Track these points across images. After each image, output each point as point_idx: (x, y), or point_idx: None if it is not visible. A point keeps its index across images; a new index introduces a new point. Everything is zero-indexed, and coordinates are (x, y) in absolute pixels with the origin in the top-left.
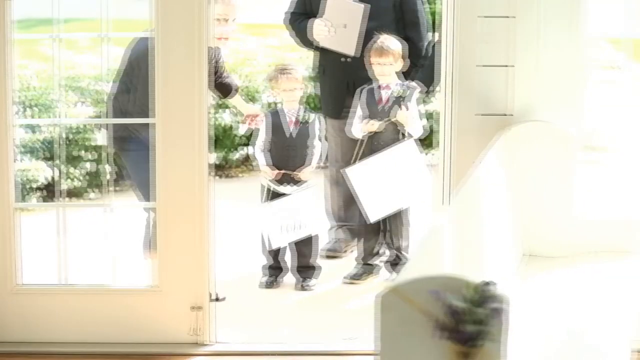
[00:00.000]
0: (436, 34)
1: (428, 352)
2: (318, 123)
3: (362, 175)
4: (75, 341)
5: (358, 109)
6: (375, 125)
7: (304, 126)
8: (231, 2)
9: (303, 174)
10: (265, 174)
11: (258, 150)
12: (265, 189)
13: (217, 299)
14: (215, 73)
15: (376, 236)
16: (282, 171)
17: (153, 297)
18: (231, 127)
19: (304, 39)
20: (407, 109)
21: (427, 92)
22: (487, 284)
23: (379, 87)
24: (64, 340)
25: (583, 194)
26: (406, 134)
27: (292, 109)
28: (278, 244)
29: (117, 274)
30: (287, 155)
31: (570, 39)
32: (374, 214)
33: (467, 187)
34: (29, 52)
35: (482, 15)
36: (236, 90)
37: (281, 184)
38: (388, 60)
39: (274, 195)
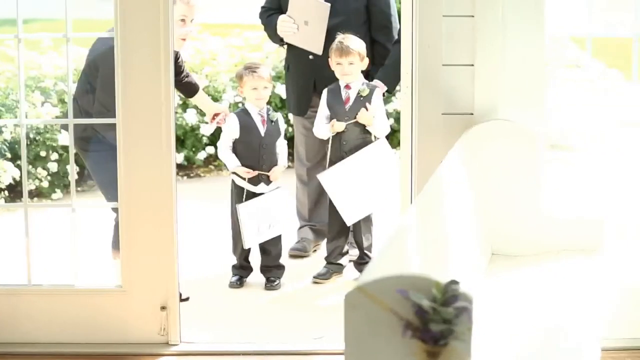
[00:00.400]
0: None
1: (396, 351)
2: (282, 121)
3: (336, 180)
4: (42, 342)
5: (324, 109)
6: (341, 126)
7: (272, 125)
8: (190, 2)
9: (273, 173)
10: (238, 175)
11: (227, 151)
12: (245, 191)
13: (180, 299)
14: (176, 74)
15: (343, 236)
16: (257, 172)
17: (119, 298)
18: (196, 127)
19: (274, 35)
20: (369, 109)
21: (389, 92)
22: (452, 283)
23: (344, 86)
24: (30, 340)
25: (549, 192)
26: (373, 134)
27: (260, 108)
28: (252, 243)
29: (83, 274)
30: (259, 156)
31: (532, 37)
32: (350, 217)
33: (431, 186)
34: None
35: (446, 15)
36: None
37: (255, 185)
38: (350, 60)
39: (248, 196)
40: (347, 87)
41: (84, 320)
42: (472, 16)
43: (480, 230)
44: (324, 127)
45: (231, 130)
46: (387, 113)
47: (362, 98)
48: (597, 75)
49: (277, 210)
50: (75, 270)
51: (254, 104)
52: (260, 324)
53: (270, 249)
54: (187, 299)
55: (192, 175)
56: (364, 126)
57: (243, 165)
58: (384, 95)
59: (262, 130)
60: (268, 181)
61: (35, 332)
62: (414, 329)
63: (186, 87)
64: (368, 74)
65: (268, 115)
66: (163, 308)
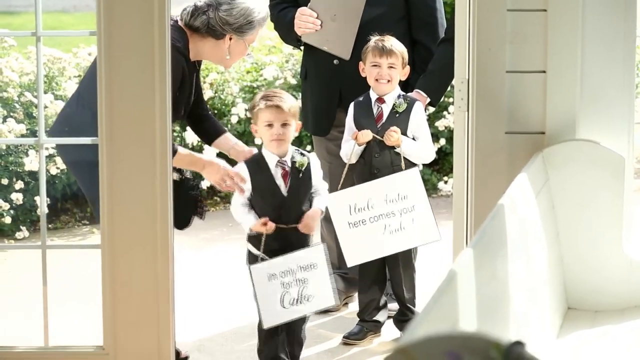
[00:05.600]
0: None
1: None
2: (316, 164)
3: (344, 206)
4: None
5: (351, 126)
6: (368, 135)
7: (299, 178)
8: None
9: (305, 223)
10: (252, 240)
11: (240, 208)
12: (259, 260)
13: (178, 359)
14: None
15: (378, 285)
16: (279, 226)
17: None
18: (198, 149)
19: (289, 34)
20: (408, 127)
21: (433, 105)
22: (516, 344)
23: (376, 99)
24: None
25: (637, 230)
26: (404, 161)
27: (281, 155)
28: (274, 321)
29: (56, 332)
30: (280, 215)
31: (619, 37)
32: (352, 258)
33: (492, 223)
34: None
35: (511, 9)
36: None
37: (274, 253)
38: (391, 62)
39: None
40: (380, 100)
41: None
42: (545, 10)
43: (553, 279)
44: (348, 144)
45: (241, 183)
46: (438, 131)
47: (398, 115)
48: None
49: (312, 277)
50: (45, 327)
51: (270, 148)
52: None
53: (296, 329)
54: (186, 358)
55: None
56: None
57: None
58: (426, 109)
59: (283, 188)
60: (296, 245)
61: None
62: None
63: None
64: (407, 84)
65: (293, 163)
66: None
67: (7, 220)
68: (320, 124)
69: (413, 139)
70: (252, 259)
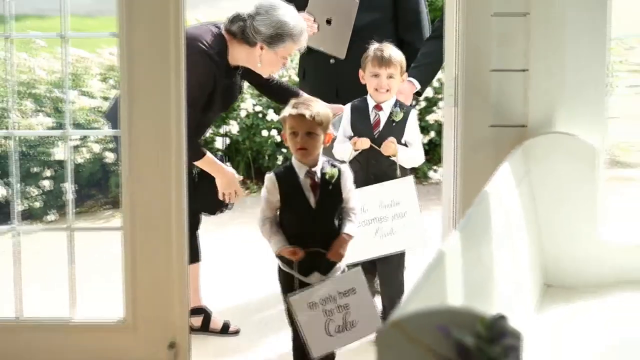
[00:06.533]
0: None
1: None
2: (348, 175)
3: None
4: None
5: (346, 128)
6: (366, 143)
7: (329, 189)
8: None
9: (334, 251)
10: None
11: (267, 226)
12: (295, 279)
13: (227, 331)
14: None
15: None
16: (306, 251)
17: (122, 333)
18: (210, 141)
19: None
20: (404, 135)
21: (419, 94)
22: (500, 318)
23: (374, 106)
24: None
25: (610, 215)
26: (399, 168)
27: (311, 165)
28: (323, 350)
29: (81, 306)
30: (309, 233)
31: (594, 39)
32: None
33: (477, 208)
34: None
35: (496, 13)
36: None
37: (306, 275)
38: (390, 72)
39: (301, 284)
40: (378, 107)
41: (82, 359)
42: (527, 14)
43: (532, 259)
44: (344, 145)
45: (270, 196)
46: (428, 125)
47: (394, 124)
48: None
49: (353, 302)
50: (71, 302)
51: (299, 158)
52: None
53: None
54: (237, 332)
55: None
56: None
57: (291, 240)
58: (414, 98)
59: (312, 200)
60: (327, 264)
61: None
62: None
63: (278, 92)
64: None
65: (323, 174)
66: (171, 345)
67: (38, 204)
68: None
69: (405, 144)
70: (283, 276)
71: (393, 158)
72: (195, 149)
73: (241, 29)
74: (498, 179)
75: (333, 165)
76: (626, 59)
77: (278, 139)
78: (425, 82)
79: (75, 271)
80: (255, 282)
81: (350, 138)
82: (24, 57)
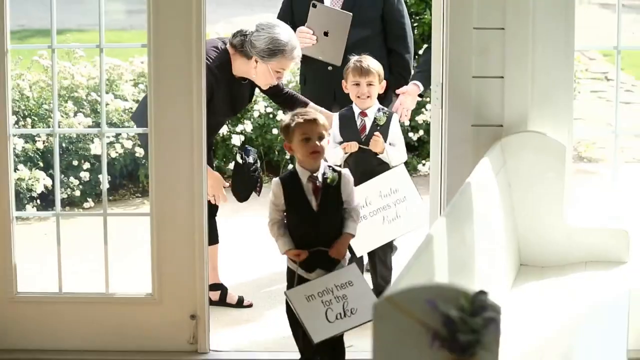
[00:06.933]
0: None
1: None
2: (348, 178)
3: None
4: (72, 349)
5: (336, 135)
6: (355, 146)
7: (329, 192)
8: (297, 59)
9: (336, 249)
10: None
11: (275, 227)
12: (296, 275)
13: (242, 304)
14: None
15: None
16: (309, 251)
17: (150, 306)
18: (227, 137)
19: None
20: (381, 136)
21: (421, 96)
22: (481, 293)
23: (359, 113)
24: (61, 348)
25: (575, 203)
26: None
27: (314, 170)
28: (324, 335)
29: (114, 282)
30: (313, 234)
31: (560, 50)
32: (360, 248)
33: (461, 197)
34: (25, 63)
35: (477, 27)
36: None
37: (310, 271)
38: (369, 80)
39: (301, 281)
40: (363, 114)
41: (114, 329)
42: (503, 29)
43: (508, 242)
44: (335, 150)
45: (276, 200)
46: (418, 124)
47: (379, 127)
48: (624, 88)
49: (350, 292)
50: (106, 278)
51: (306, 163)
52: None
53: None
54: (250, 305)
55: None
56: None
57: (296, 240)
58: (420, 96)
59: (314, 203)
60: (329, 262)
61: (66, 340)
62: (442, 339)
63: (290, 101)
64: (386, 91)
65: (325, 179)
66: (193, 317)
67: (77, 193)
68: None
69: (390, 144)
70: (289, 273)
71: (380, 156)
72: None
73: (241, 42)
74: (478, 171)
75: (334, 170)
76: (588, 68)
77: None
78: (427, 85)
79: (109, 252)
80: (267, 261)
81: (340, 143)
82: (67, 65)
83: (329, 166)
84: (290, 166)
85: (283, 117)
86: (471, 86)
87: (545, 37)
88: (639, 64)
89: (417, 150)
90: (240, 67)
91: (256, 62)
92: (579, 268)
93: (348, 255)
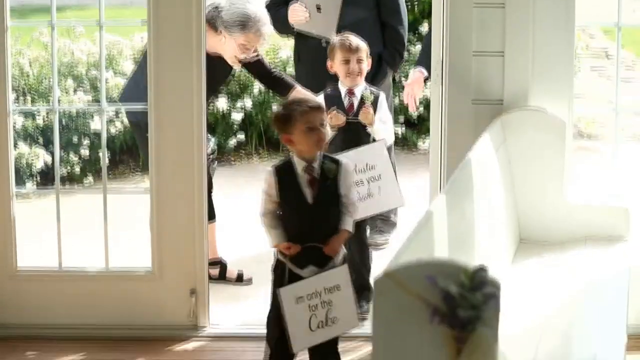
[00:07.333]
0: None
1: (423, 336)
2: (347, 170)
3: None
4: (73, 325)
5: None
6: (342, 119)
7: (327, 184)
8: (260, 32)
9: (331, 246)
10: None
11: (268, 218)
12: (287, 270)
13: (242, 280)
14: (262, 71)
15: None
16: (302, 246)
17: (149, 282)
18: (227, 114)
19: (283, 27)
20: (375, 114)
21: (426, 80)
22: (480, 269)
23: (347, 92)
24: (62, 324)
25: (575, 180)
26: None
27: (310, 161)
28: (302, 346)
29: (113, 258)
30: (307, 228)
31: (562, 26)
32: None
33: (461, 173)
34: (24, 40)
35: (477, 4)
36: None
37: (302, 267)
38: (359, 56)
39: (292, 277)
40: (350, 92)
41: (114, 304)
42: (503, 5)
43: (508, 218)
44: None
45: (269, 189)
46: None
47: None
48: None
49: (336, 298)
50: (106, 254)
51: (310, 152)
52: None
53: (326, 352)
54: (249, 280)
55: (222, 161)
56: (365, 128)
57: (289, 234)
58: (425, 81)
59: (309, 196)
60: (323, 258)
61: (66, 316)
62: (442, 315)
63: (277, 84)
64: (380, 58)
65: (322, 170)
66: (192, 292)
67: (77, 170)
68: (314, 95)
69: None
70: (279, 266)
71: (369, 129)
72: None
73: (210, 16)
74: (478, 148)
75: (332, 160)
76: (588, 45)
77: None
78: (428, 70)
79: (109, 228)
80: (265, 237)
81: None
82: (67, 42)
83: (326, 155)
84: None
85: (275, 108)
86: (471, 63)
87: (546, 13)
88: (639, 41)
89: (417, 126)
90: (209, 41)
91: (224, 36)
92: (579, 245)
93: (343, 250)
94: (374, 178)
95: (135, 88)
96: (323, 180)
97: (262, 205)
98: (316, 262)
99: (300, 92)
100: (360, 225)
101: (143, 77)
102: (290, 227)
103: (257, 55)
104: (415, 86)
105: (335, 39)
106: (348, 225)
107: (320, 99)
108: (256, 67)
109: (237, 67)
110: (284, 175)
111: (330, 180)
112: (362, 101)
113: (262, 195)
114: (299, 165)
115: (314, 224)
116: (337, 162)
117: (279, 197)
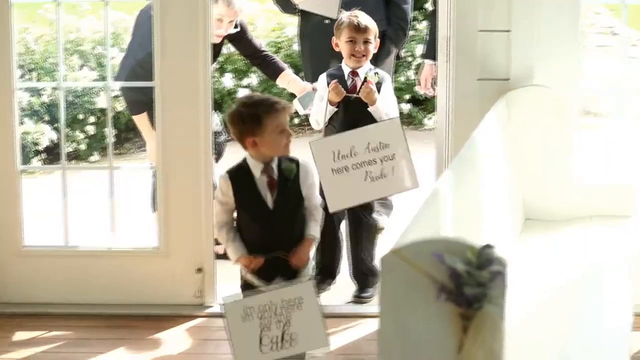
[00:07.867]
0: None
1: (430, 314)
2: (308, 170)
3: (327, 153)
4: (79, 302)
5: (323, 94)
6: (342, 92)
7: (288, 186)
8: (232, 4)
9: (297, 256)
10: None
11: (224, 231)
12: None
13: None
14: (251, 51)
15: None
16: (265, 257)
17: (156, 259)
18: (233, 91)
19: (287, 5)
20: (374, 89)
21: (398, 57)
22: (487, 247)
23: (350, 72)
24: (68, 301)
25: (581, 158)
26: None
27: (267, 161)
28: None
29: (120, 236)
30: (268, 236)
31: (567, 4)
32: (335, 203)
33: (467, 151)
34: (30, 16)
35: None
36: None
37: (268, 280)
38: (366, 37)
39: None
40: (354, 73)
41: (120, 282)
42: None
43: (514, 196)
44: (321, 104)
45: (224, 198)
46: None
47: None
48: (630, 42)
49: (299, 317)
50: (112, 232)
51: (273, 154)
52: None
53: None
54: None
55: (227, 138)
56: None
57: (250, 246)
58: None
59: (269, 200)
60: (290, 270)
61: (73, 293)
62: (449, 293)
63: (265, 64)
64: (384, 36)
65: (280, 171)
66: (199, 270)
67: (83, 147)
68: (317, 72)
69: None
70: (244, 283)
71: (371, 109)
72: (138, 105)
73: None
74: (484, 125)
75: (291, 160)
76: (594, 23)
77: None
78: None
79: (115, 205)
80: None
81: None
82: (72, 19)
83: (284, 156)
84: (297, 120)
85: (232, 105)
86: (477, 40)
87: None
88: None
89: (423, 104)
90: None
91: None
92: (585, 222)
93: (312, 262)
94: (388, 157)
95: (135, 64)
96: (282, 182)
97: (216, 217)
98: (285, 274)
99: (287, 73)
100: (367, 207)
101: (140, 50)
102: (250, 237)
103: (241, 31)
104: (427, 73)
105: (344, 15)
106: (313, 231)
107: (322, 78)
108: (243, 44)
109: (216, 41)
110: (240, 179)
111: (291, 182)
112: (365, 82)
113: (216, 205)
114: (256, 168)
115: (276, 231)
116: (295, 162)
117: (236, 204)
